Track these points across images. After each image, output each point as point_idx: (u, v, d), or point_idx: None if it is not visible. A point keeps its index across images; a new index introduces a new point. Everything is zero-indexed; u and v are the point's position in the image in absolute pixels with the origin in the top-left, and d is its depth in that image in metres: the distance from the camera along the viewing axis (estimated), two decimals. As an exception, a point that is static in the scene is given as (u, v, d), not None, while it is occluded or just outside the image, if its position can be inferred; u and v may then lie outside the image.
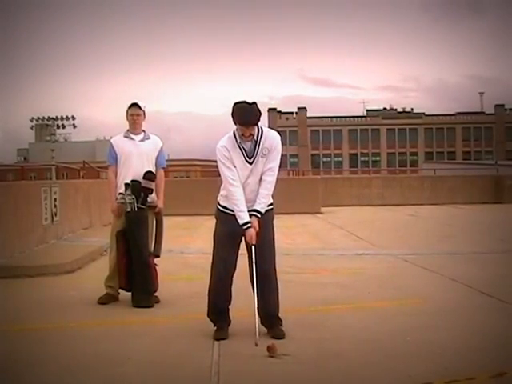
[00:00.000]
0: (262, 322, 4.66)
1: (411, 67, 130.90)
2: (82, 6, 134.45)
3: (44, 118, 74.42)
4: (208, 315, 4.76)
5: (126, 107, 6.02)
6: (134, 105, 5.98)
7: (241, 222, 4.50)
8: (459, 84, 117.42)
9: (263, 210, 4.58)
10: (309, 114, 76.17)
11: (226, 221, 4.64)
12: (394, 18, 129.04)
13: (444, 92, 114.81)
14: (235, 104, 4.55)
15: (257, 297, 4.56)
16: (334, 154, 75.55)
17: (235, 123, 4.56)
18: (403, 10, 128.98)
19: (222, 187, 4.74)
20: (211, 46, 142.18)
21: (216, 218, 4.78)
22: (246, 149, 4.58)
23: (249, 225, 4.50)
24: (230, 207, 4.62)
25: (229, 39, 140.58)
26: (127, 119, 6.01)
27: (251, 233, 4.51)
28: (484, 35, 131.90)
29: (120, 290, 5.94)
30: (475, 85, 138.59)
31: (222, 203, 4.73)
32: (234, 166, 4.56)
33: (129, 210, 5.73)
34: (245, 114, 4.52)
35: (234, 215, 4.57)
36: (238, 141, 4.56)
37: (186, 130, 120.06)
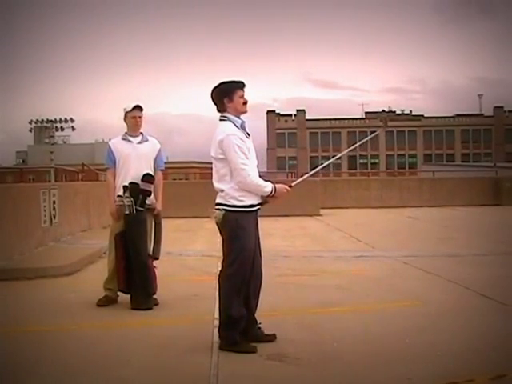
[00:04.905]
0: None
1: (416, 69, 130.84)
2: (82, 8, 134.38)
3: (43, 120, 74.48)
4: None
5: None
6: (137, 107, 5.97)
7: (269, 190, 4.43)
8: (466, 86, 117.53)
9: None
10: (310, 117, 76.23)
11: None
12: (400, 21, 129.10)
13: (449, 94, 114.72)
14: (217, 86, 4.48)
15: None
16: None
17: (231, 98, 4.43)
18: (408, 13, 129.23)
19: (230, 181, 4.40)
20: (213, 47, 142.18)
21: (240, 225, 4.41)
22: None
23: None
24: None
25: (231, 40, 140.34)
26: (125, 121, 5.99)
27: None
28: (491, 37, 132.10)
29: (119, 293, 5.93)
30: (480, 87, 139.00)
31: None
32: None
33: (127, 212, 5.73)
34: (233, 80, 4.50)
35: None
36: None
37: (187, 131, 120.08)
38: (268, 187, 4.42)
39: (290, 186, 4.59)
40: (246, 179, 4.33)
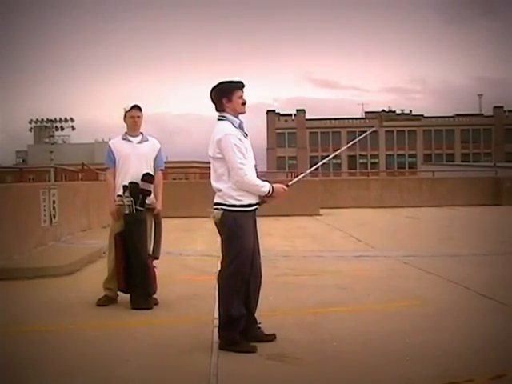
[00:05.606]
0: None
1: (416, 69, 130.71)
2: (81, 8, 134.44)
3: (43, 119, 74.38)
4: None
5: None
6: (135, 106, 5.99)
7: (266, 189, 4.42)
8: (466, 86, 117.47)
9: None
10: (310, 116, 76.21)
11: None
12: (401, 21, 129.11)
13: (449, 94, 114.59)
14: (216, 86, 4.48)
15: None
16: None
17: (229, 98, 4.43)
18: (408, 13, 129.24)
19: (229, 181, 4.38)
20: (213, 47, 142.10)
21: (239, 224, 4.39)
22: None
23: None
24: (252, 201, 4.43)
25: (232, 40, 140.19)
26: (125, 121, 6.01)
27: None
28: (491, 37, 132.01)
29: (119, 292, 5.93)
30: (480, 87, 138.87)
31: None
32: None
33: (127, 212, 5.73)
34: (233, 80, 4.48)
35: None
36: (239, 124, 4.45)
37: (187, 131, 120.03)
38: (265, 187, 4.41)
39: (287, 186, 4.59)
40: (243, 179, 4.32)
